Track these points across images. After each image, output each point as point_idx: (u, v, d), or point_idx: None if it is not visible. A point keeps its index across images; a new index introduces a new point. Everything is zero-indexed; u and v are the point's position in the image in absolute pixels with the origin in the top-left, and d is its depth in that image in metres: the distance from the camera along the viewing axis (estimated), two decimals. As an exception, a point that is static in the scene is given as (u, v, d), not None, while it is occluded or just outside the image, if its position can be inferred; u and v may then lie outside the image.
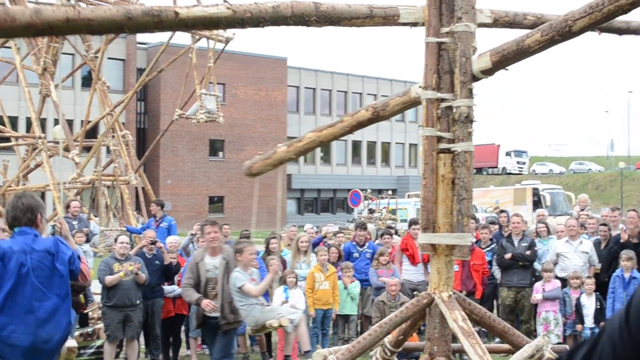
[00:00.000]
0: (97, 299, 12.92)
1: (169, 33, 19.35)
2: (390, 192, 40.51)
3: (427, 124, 5.88)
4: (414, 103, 6.11)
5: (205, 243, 10.33)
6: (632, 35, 6.41)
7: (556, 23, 5.21)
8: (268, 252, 13.74)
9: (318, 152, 67.54)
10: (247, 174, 7.48)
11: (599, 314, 12.47)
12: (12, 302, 6.06)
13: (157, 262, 12.58)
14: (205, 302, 9.74)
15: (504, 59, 5.60)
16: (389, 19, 5.72)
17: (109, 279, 11.50)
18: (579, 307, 12.52)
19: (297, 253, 13.89)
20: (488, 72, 5.77)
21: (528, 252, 13.48)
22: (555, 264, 13.38)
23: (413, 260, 13.82)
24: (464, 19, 5.78)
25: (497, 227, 15.88)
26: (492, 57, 5.63)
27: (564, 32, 5.17)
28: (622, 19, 5.76)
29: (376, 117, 6.33)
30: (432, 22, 5.85)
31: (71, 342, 8.26)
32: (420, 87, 5.94)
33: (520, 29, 6.20)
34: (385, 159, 73.46)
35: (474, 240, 14.65)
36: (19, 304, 6.09)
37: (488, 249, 14.24)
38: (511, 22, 6.36)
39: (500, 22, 6.31)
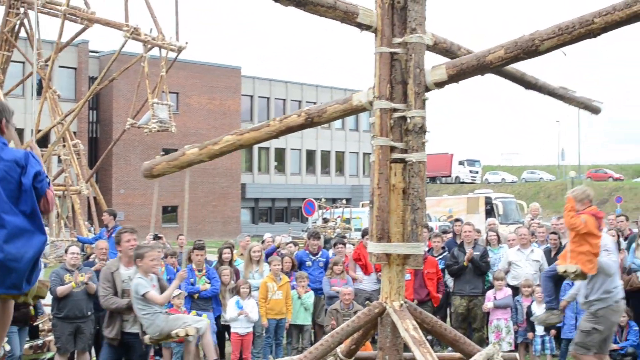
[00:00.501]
0: (48, 310, 12.72)
1: (122, 40, 19.22)
2: (344, 201, 40.66)
3: (381, 134, 5.89)
4: (355, 111, 6.13)
5: (123, 251, 9.86)
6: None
7: (522, 42, 5.44)
8: (221, 262, 13.67)
9: (272, 161, 67.53)
10: (146, 175, 7.06)
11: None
12: None
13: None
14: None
15: (461, 73, 5.77)
16: (348, 14, 5.79)
17: (61, 289, 11.32)
18: (530, 315, 12.63)
19: (250, 263, 13.83)
20: (441, 85, 5.90)
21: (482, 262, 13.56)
22: (507, 272, 13.48)
23: (366, 270, 13.84)
24: (418, 30, 5.82)
25: (449, 235, 16.00)
26: (449, 70, 5.79)
27: (530, 50, 5.43)
28: (533, 74, 6.66)
29: (309, 123, 6.27)
30: (385, 32, 5.87)
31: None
32: (363, 97, 5.97)
33: (451, 58, 6.34)
34: (340, 168, 73.65)
35: (427, 249, 14.74)
36: None
37: (440, 257, 14.30)
38: (447, 50, 6.60)
39: (439, 47, 6.52)
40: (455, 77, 5.81)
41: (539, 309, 12.34)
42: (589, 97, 7.99)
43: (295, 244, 17.04)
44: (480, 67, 5.68)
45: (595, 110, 8.04)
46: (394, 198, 5.88)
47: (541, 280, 9.86)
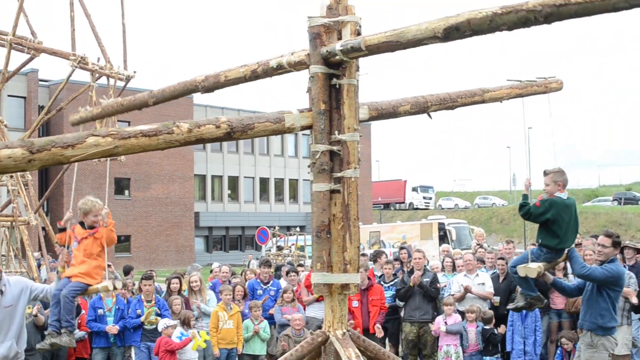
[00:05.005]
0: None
1: (69, 69, 19.11)
2: (298, 229, 40.58)
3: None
4: (284, 131, 6.12)
5: None
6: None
7: (420, 103, 7.01)
8: (170, 292, 13.59)
9: (225, 189, 67.30)
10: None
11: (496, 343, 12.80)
12: None
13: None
14: None
15: (379, 115, 6.82)
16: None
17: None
18: (484, 336, 12.80)
19: (191, 293, 13.79)
20: (362, 121, 6.56)
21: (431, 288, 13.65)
22: (463, 298, 13.54)
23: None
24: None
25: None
26: (371, 112, 6.72)
27: (424, 109, 7.05)
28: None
29: (228, 137, 5.73)
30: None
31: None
32: (297, 121, 6.04)
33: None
34: (293, 196, 73.66)
35: (379, 274, 14.82)
36: None
37: (391, 283, 14.37)
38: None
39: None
40: (374, 118, 6.81)
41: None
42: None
43: (233, 273, 16.81)
44: (394, 114, 6.92)
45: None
46: (334, 228, 5.95)
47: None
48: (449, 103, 7.19)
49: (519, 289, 9.54)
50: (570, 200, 8.50)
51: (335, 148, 5.99)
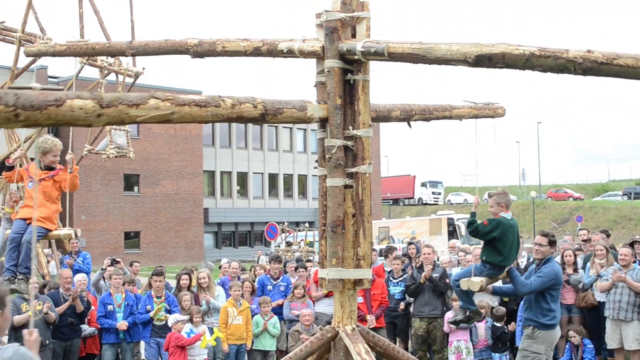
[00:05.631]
0: (5, 339, 12.57)
1: (79, 66, 19.14)
2: (307, 225, 40.54)
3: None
4: (304, 120, 6.15)
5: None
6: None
7: (407, 110, 7.43)
8: (179, 288, 13.60)
9: (234, 185, 67.31)
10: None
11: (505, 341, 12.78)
12: None
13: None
14: None
15: (377, 117, 7.09)
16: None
17: (18, 318, 11.18)
18: (495, 332, 12.80)
19: (200, 289, 13.79)
20: None
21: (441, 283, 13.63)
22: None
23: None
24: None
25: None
26: (371, 112, 6.67)
27: (410, 116, 7.52)
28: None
29: (261, 119, 5.79)
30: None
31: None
32: (317, 112, 6.05)
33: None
34: (302, 191, 73.61)
35: (388, 269, 14.83)
36: None
37: (400, 279, 14.35)
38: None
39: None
40: (374, 119, 6.88)
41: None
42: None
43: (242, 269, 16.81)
44: (387, 117, 7.32)
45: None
46: (347, 223, 5.97)
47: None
48: (427, 114, 7.66)
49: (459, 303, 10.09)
50: (514, 220, 9.10)
51: (349, 143, 6.00)
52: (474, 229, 8.87)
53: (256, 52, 6.38)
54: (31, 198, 8.09)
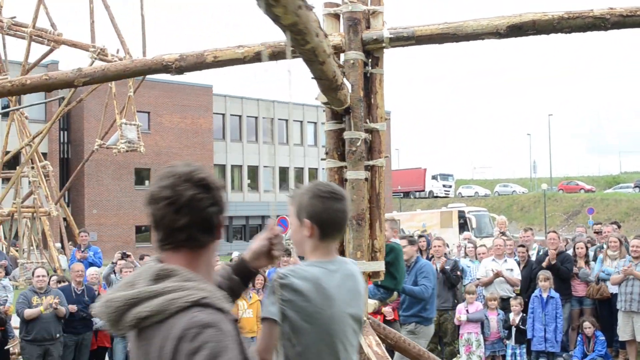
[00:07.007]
0: (18, 333, 12.64)
1: (89, 61, 19.20)
2: (317, 218, 40.54)
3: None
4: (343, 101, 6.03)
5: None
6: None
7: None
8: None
9: (245, 179, 67.40)
10: None
11: (519, 334, 12.75)
12: None
13: (87, 297, 12.33)
14: None
15: None
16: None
17: (28, 312, 11.26)
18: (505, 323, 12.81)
19: None
20: None
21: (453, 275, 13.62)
22: (491, 282, 13.55)
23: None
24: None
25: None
26: None
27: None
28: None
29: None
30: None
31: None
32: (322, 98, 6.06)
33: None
34: (313, 185, 73.55)
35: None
36: None
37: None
38: None
39: None
40: None
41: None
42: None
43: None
44: None
45: None
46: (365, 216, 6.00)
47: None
48: None
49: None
50: (400, 246, 9.34)
51: (369, 136, 6.04)
52: None
53: (257, 58, 6.23)
54: None
